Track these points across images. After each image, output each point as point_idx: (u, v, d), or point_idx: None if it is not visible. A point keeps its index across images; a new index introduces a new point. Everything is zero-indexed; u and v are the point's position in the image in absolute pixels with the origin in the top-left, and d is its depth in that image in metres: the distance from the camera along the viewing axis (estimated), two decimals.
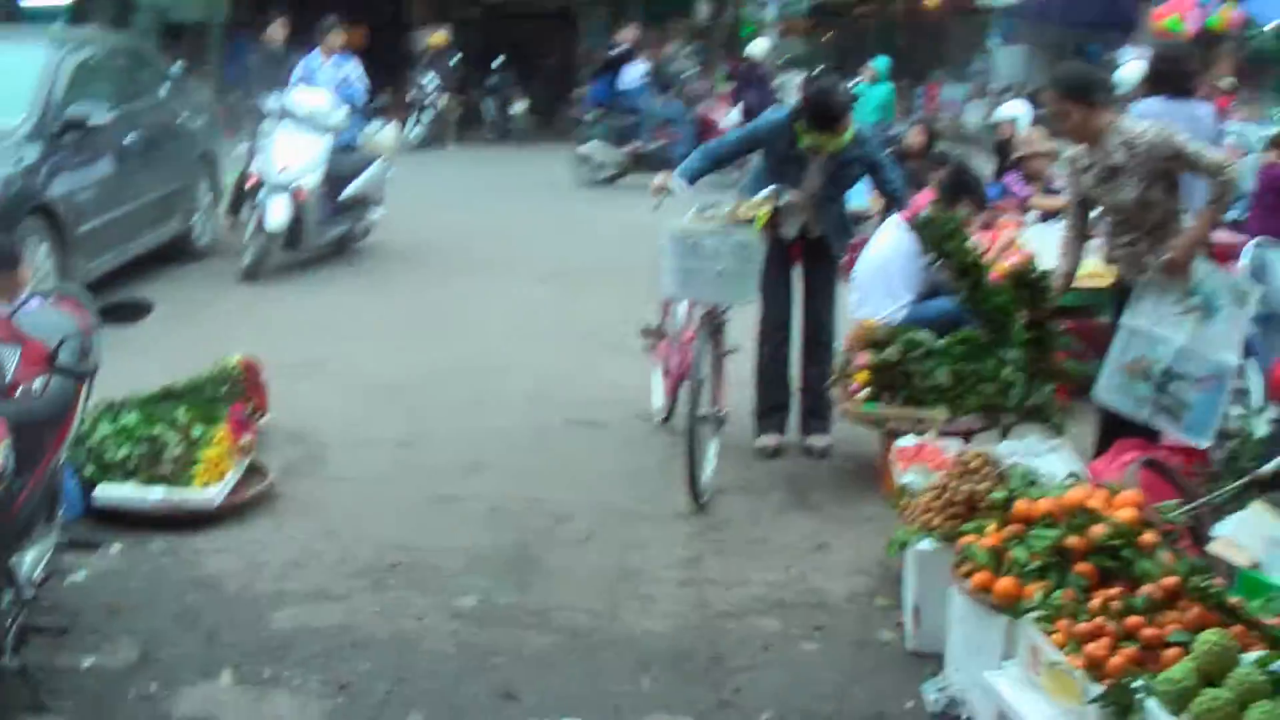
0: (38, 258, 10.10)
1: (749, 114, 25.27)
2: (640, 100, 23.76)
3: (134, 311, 5.52)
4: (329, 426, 8.33)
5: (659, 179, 7.67)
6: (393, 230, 14.85)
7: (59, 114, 10.81)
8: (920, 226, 7.63)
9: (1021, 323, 7.22)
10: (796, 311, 8.18)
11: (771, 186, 7.59)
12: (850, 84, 18.55)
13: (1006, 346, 7.25)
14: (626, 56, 23.62)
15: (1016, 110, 15.73)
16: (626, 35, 25.18)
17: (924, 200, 9.10)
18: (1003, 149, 15.30)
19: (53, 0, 31.99)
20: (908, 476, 6.23)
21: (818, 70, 9.83)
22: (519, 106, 29.43)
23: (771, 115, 8.18)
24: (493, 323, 11.31)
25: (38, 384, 4.80)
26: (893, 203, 8.28)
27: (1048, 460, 6.24)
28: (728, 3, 34.48)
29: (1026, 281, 7.18)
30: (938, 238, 7.45)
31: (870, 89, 18.90)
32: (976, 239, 10.16)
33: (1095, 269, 7.87)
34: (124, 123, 11.86)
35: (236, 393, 7.80)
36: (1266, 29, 31.47)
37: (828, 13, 54.33)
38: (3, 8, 27.27)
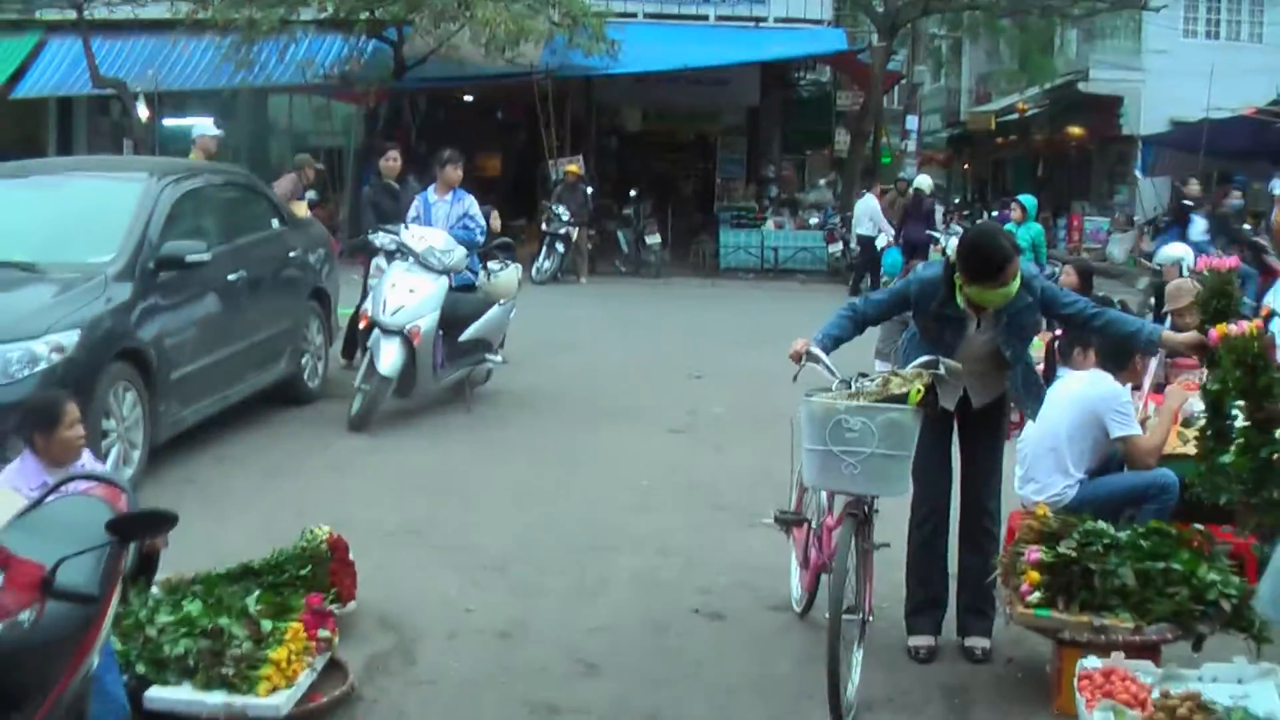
0: (123, 406, 9.39)
1: (910, 249, 24.94)
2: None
3: (153, 522, 4.58)
4: (423, 610, 7.41)
5: (797, 344, 6.73)
6: (514, 373, 14.10)
7: (154, 251, 10.10)
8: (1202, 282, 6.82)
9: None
10: (954, 489, 7.17)
11: (925, 356, 6.62)
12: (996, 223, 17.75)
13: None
14: None
15: (1179, 252, 14.71)
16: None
17: (1085, 363, 8.12)
18: (1162, 294, 14.32)
19: (192, 121, 32.73)
20: (1097, 717, 5.22)
21: (967, 210, 8.63)
22: (654, 238, 28.70)
23: (924, 271, 7.24)
24: (613, 485, 10.36)
25: (26, 615, 3.90)
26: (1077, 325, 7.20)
27: (1261, 695, 5.24)
28: (868, 134, 33.66)
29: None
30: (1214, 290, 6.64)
31: (1019, 229, 17.85)
32: (1141, 402, 9.31)
33: None
34: (228, 259, 11.19)
35: (320, 577, 6.92)
36: None
37: (965, 143, 54.03)
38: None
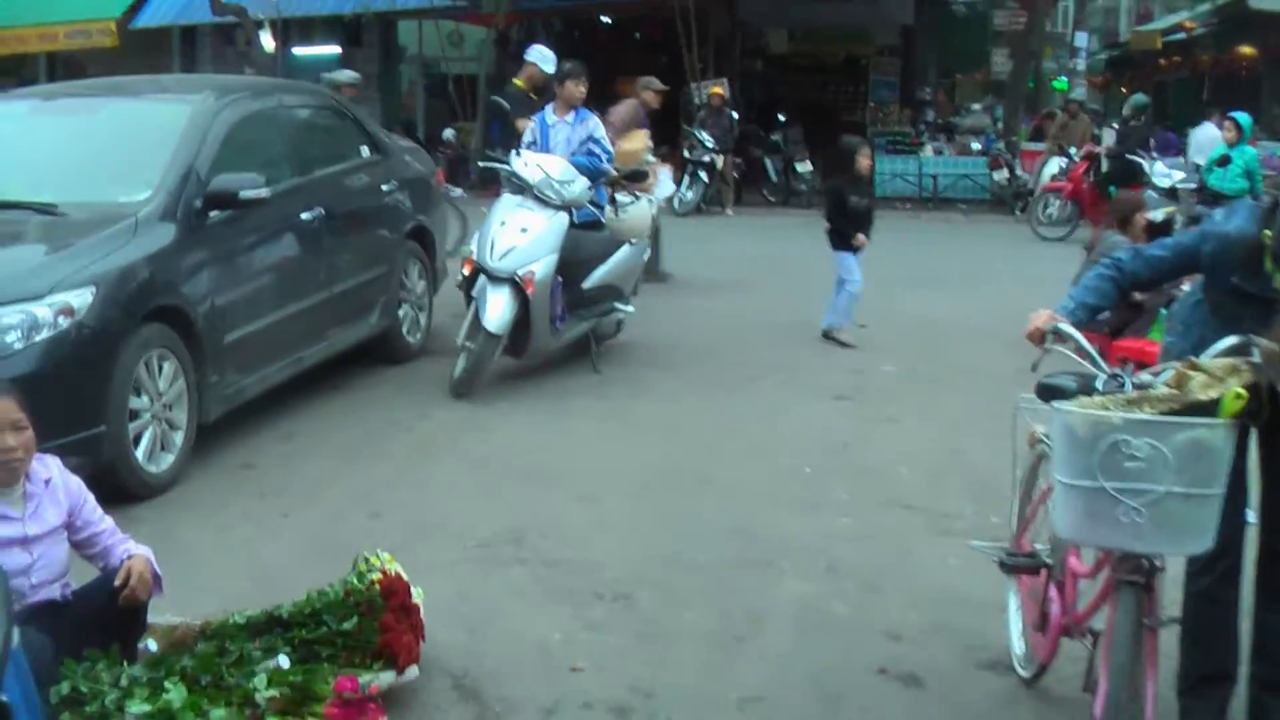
0: (160, 380, 7.59)
1: (1126, 171, 22.50)
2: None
3: None
4: (516, 668, 5.45)
5: (1037, 318, 4.76)
6: (651, 323, 12.18)
7: (201, 187, 8.22)
8: None
9: None
10: (1250, 523, 5.05)
11: (1234, 337, 4.54)
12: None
13: None
14: None
15: None
16: None
17: None
18: None
19: (322, 49, 31.22)
20: None
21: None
22: (805, 166, 26.57)
23: (1226, 222, 4.83)
24: (767, 471, 8.34)
25: None
26: None
27: None
28: (1036, 53, 31.27)
29: None
30: None
31: (1233, 151, 15.35)
32: None
33: None
34: (299, 196, 9.34)
35: (367, 634, 5.00)
36: None
37: (1124, 65, 51.16)
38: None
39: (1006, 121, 30.33)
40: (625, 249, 11.12)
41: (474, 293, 10.03)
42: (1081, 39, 33.79)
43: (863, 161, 12.38)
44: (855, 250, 12.21)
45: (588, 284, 10.78)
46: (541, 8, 27.75)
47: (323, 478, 8.05)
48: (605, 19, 31.05)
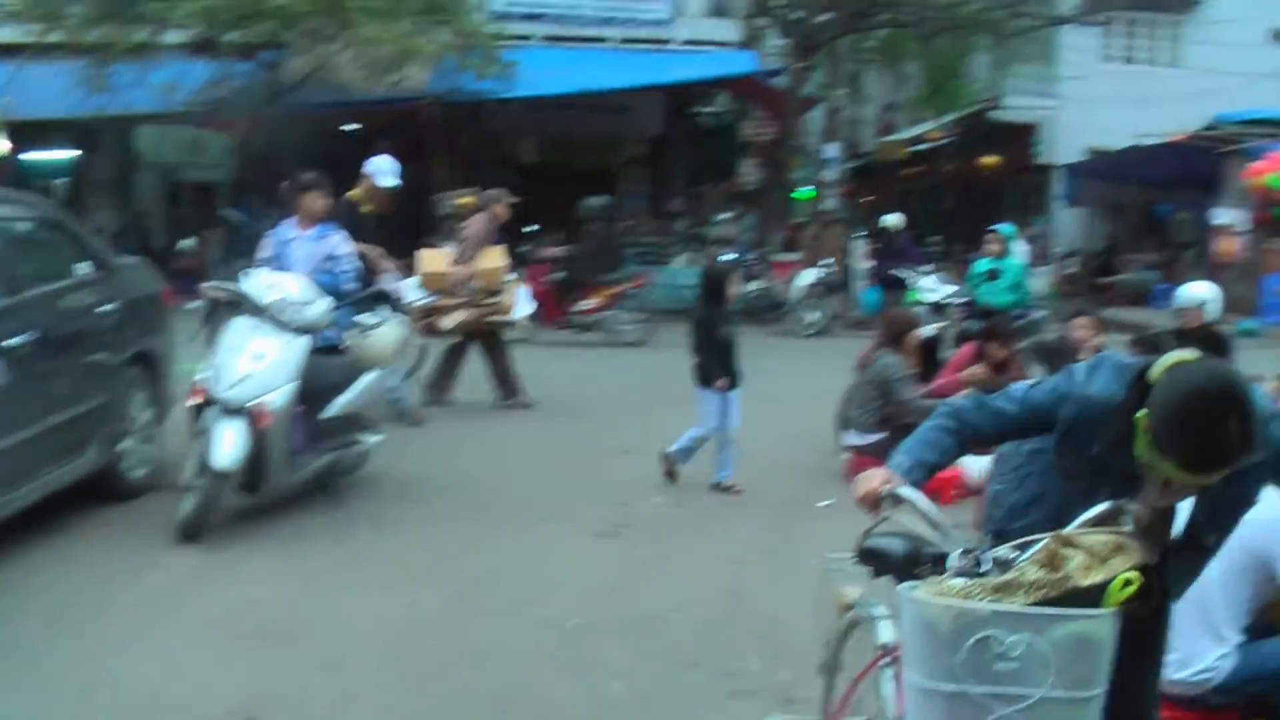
0: None
1: (889, 285, 22.61)
2: None
3: None
4: None
5: (872, 479, 4.10)
6: (399, 453, 11.31)
7: None
8: None
9: None
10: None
11: (1104, 504, 3.91)
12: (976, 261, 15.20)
13: None
14: None
15: (1204, 293, 12.26)
16: None
17: None
18: (1182, 340, 11.92)
19: (53, 155, 29.79)
20: None
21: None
22: (556, 275, 25.98)
23: (1090, 383, 4.19)
24: (530, 623, 7.52)
25: None
26: None
27: None
28: (785, 163, 31.33)
29: None
30: None
31: (1002, 264, 15.01)
32: None
33: None
34: (6, 319, 8.30)
35: None
36: None
37: (868, 174, 51.91)
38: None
39: (759, 232, 30.25)
40: (370, 375, 10.30)
41: (203, 425, 9.09)
42: (831, 150, 33.92)
43: (731, 290, 11.66)
44: (721, 388, 11.20)
45: (329, 413, 9.92)
46: (284, 114, 26.80)
47: (28, 642, 7.03)
48: (350, 126, 30.21)
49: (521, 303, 14.78)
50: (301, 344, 9.45)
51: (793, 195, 33.48)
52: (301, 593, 7.99)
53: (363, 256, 11.65)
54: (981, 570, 3.70)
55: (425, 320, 14.15)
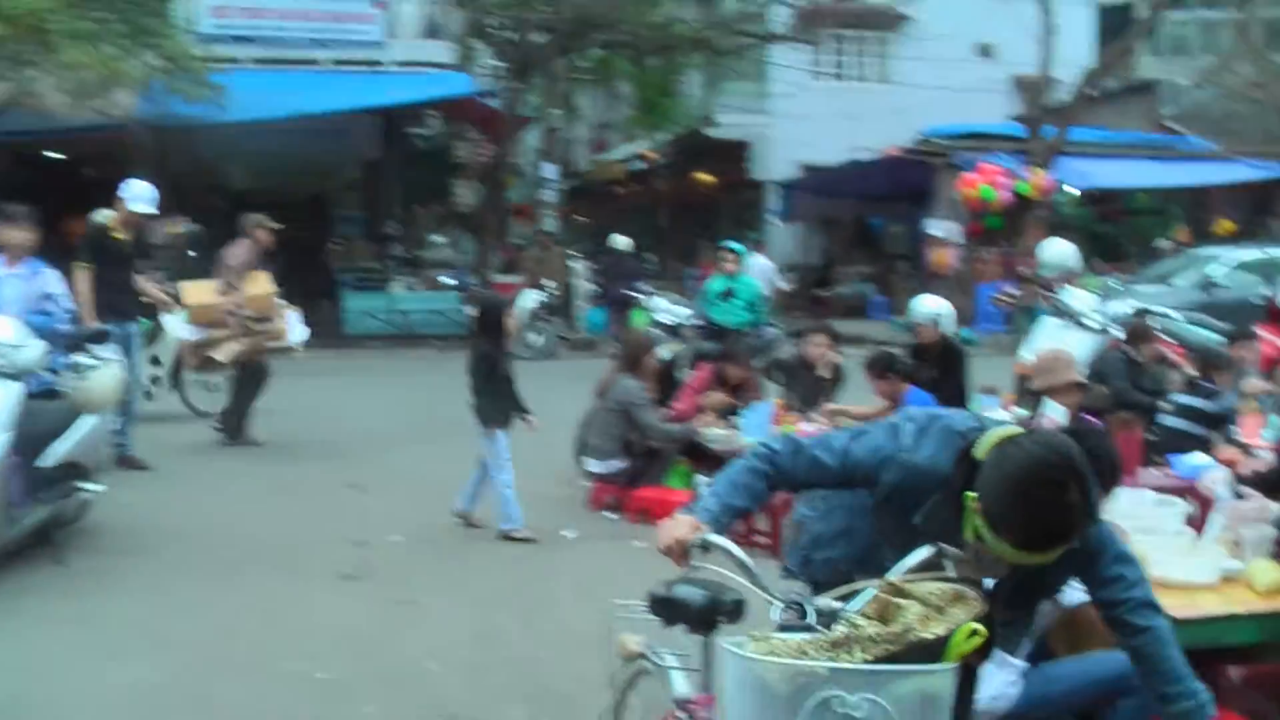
0: None
1: (615, 305, 22.50)
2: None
3: None
4: None
5: (677, 529, 3.85)
6: (124, 501, 10.68)
7: None
8: None
9: None
10: None
11: (925, 549, 3.79)
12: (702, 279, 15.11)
13: None
14: None
15: (937, 308, 12.40)
16: None
17: None
18: (918, 355, 12.07)
19: None
20: None
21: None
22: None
23: (919, 452, 4.04)
24: (267, 682, 7.09)
25: None
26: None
27: None
28: (503, 184, 31.11)
29: None
30: None
31: (736, 283, 14.81)
32: None
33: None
34: None
35: None
36: (1067, 195, 30.12)
37: (582, 194, 52.01)
38: None
39: (478, 255, 29.95)
40: (89, 420, 9.72)
41: None
42: (550, 170, 33.76)
43: (510, 322, 11.17)
44: (506, 428, 10.60)
45: (47, 462, 9.31)
46: None
47: None
48: (54, 154, 29.01)
49: (295, 327, 14.29)
50: (15, 390, 8.84)
51: (509, 216, 33.33)
52: (24, 662, 7.40)
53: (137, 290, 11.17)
54: (807, 622, 3.48)
55: (199, 355, 13.58)
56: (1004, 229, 29.03)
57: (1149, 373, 11.96)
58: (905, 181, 32.19)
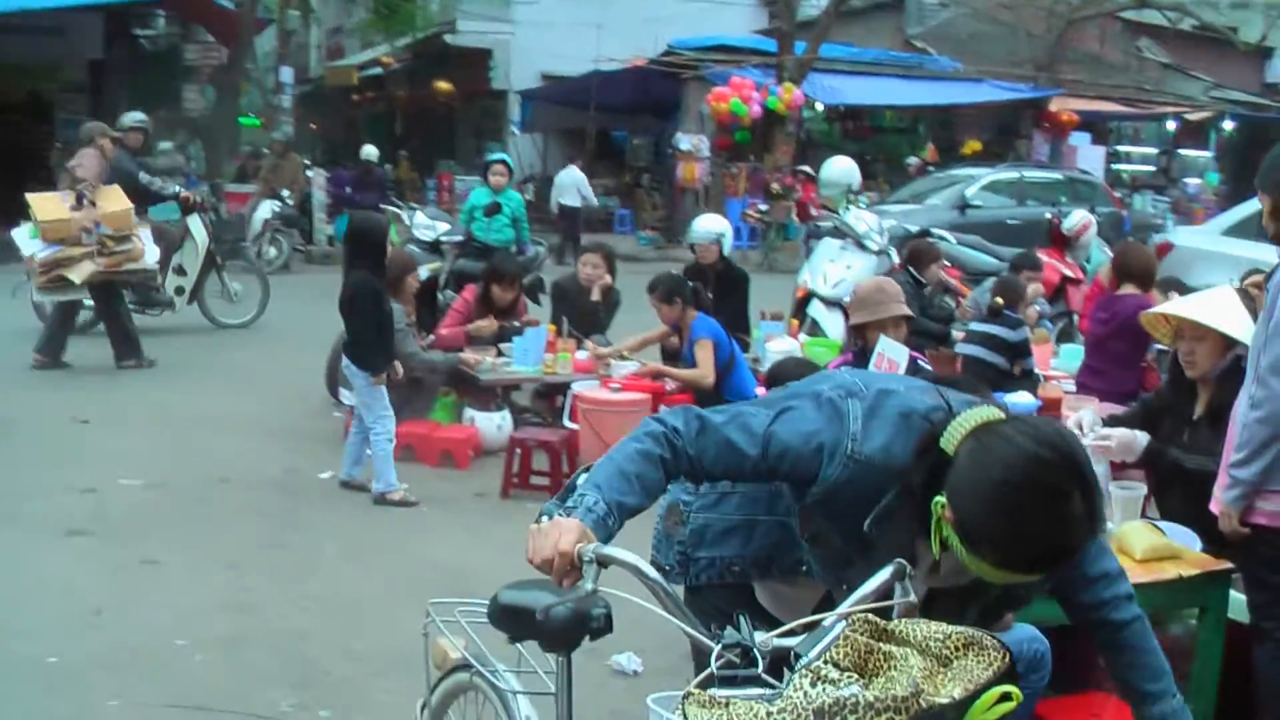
0: None
1: (360, 223, 21.17)
2: None
3: None
4: None
5: (563, 540, 2.80)
6: None
7: None
8: None
9: None
10: None
11: (887, 569, 2.90)
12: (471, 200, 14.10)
13: None
14: None
15: (718, 227, 11.69)
16: None
17: None
18: (701, 275, 11.37)
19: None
20: None
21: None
22: None
23: (871, 439, 3.10)
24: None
25: None
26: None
27: None
28: (238, 88, 29.54)
29: None
30: None
31: (502, 197, 13.66)
32: None
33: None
34: None
35: None
36: (820, 110, 29.89)
37: (315, 101, 50.27)
38: None
39: (209, 162, 28.40)
40: None
41: None
42: (286, 74, 32.25)
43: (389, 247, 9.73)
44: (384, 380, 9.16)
45: None
46: None
47: None
48: None
49: (150, 247, 13.01)
50: None
51: (241, 121, 31.75)
52: None
53: None
54: (756, 672, 2.58)
55: (50, 275, 12.22)
56: (753, 144, 28.53)
57: (934, 299, 11.41)
58: (651, 94, 31.53)
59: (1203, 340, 5.50)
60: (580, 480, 3.07)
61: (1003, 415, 2.86)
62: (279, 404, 11.44)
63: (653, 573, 2.85)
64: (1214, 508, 4.98)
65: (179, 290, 15.20)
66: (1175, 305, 5.93)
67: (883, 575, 2.86)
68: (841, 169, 13.40)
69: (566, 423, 10.02)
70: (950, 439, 2.85)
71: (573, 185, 27.45)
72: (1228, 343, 5.47)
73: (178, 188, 15.33)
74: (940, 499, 2.79)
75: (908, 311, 7.50)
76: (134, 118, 16.30)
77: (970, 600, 3.16)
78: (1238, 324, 5.49)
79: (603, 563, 2.78)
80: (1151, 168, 36.18)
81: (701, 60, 29.68)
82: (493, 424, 10.37)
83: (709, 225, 11.84)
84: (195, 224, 15.28)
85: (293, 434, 10.58)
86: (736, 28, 33.70)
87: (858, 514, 3.03)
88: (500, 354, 10.61)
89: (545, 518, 2.92)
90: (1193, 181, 33.16)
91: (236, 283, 15.87)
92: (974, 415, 2.86)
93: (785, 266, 22.29)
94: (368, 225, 9.63)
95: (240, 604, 6.87)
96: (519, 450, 9.47)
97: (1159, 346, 7.93)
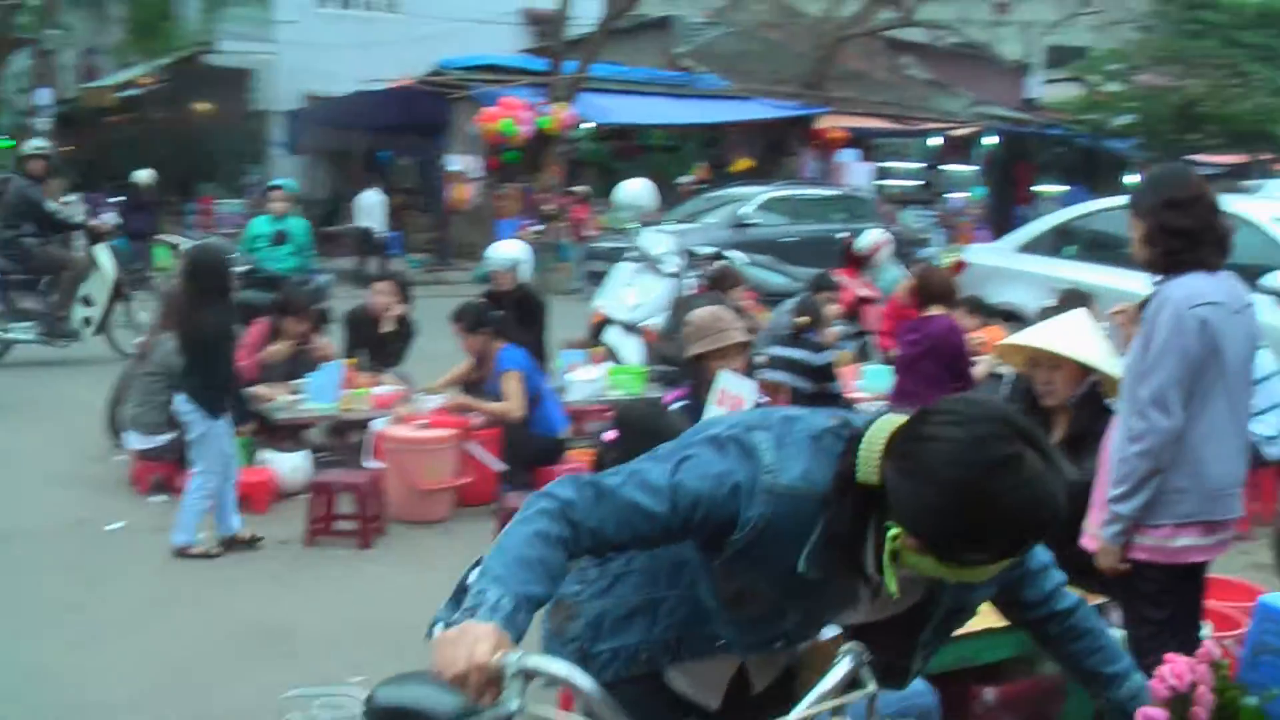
0: None
1: (136, 237, 20.33)
2: None
3: None
4: None
5: (478, 650, 2.35)
6: None
7: None
8: None
9: None
10: None
11: (846, 660, 2.65)
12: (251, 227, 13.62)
13: None
14: None
15: (516, 253, 11.39)
16: None
17: None
18: (500, 303, 11.02)
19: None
20: None
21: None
22: None
23: (787, 469, 2.78)
24: None
25: None
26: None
27: None
28: None
29: None
30: None
31: (285, 224, 13.11)
32: None
33: None
34: None
35: None
36: (588, 129, 29.81)
37: (70, 123, 48.70)
38: None
39: None
40: None
41: None
42: (44, 96, 31.23)
43: (233, 281, 8.94)
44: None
45: None
46: None
47: None
48: None
49: None
50: None
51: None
52: None
53: None
54: None
55: None
56: (522, 164, 28.32)
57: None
58: (419, 113, 31.16)
59: (1059, 368, 5.39)
60: (471, 578, 2.69)
61: (900, 419, 2.63)
62: (56, 448, 10.81)
63: (590, 684, 2.49)
64: (1088, 544, 4.84)
65: (86, 321, 14.71)
66: (1030, 335, 5.79)
67: (841, 668, 2.60)
68: (634, 191, 13.17)
69: (368, 462, 9.55)
70: (866, 469, 2.64)
71: (373, 207, 27.48)
72: (1084, 369, 5.36)
73: (83, 216, 14.98)
74: (894, 530, 2.56)
75: (748, 337, 7.24)
76: (34, 145, 15.86)
77: (918, 625, 2.95)
78: (1095, 352, 5.39)
79: (529, 675, 2.39)
80: (917, 183, 36.73)
81: (470, 80, 29.40)
82: (290, 465, 9.87)
83: (505, 251, 11.52)
84: (102, 254, 14.77)
85: (75, 479, 9.99)
86: (504, 47, 33.54)
87: (787, 554, 2.76)
88: (294, 391, 10.15)
89: (439, 626, 2.54)
90: (957, 196, 33.68)
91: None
92: (876, 436, 2.65)
93: (561, 288, 22.06)
94: (210, 258, 8.83)
95: (37, 670, 6.32)
96: (323, 494, 8.94)
97: (1001, 371, 7.86)
